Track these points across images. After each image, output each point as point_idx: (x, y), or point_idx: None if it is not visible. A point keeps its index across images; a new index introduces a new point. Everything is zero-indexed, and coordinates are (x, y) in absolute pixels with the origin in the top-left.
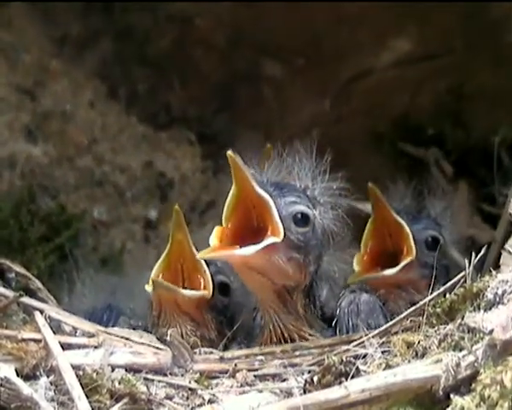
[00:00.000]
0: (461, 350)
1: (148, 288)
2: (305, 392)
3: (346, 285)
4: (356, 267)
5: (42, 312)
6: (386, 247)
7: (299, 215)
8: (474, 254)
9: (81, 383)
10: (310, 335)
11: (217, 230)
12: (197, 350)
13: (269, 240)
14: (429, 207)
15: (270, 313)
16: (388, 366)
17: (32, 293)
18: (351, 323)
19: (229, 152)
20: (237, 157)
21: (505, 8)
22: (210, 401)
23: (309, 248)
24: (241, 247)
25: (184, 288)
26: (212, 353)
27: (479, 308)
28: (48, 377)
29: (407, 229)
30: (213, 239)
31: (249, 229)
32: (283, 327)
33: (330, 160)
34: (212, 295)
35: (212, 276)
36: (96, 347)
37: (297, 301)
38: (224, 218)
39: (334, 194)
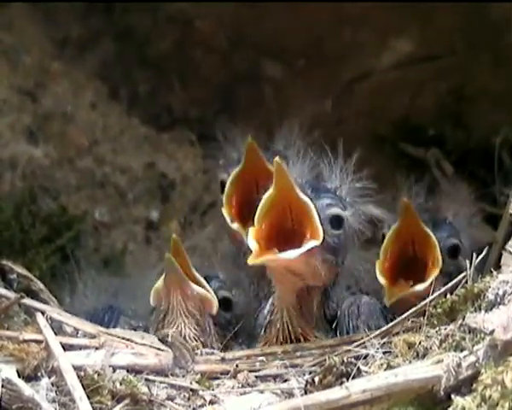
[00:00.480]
0: (462, 351)
1: (158, 283)
2: (306, 393)
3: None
4: (381, 279)
5: (43, 313)
6: (407, 253)
7: (335, 218)
8: (474, 254)
9: (82, 384)
10: (315, 337)
11: (252, 231)
12: (198, 351)
13: (310, 243)
14: (444, 210)
15: (283, 313)
16: (389, 367)
17: (33, 294)
18: (351, 325)
19: (277, 159)
20: (283, 163)
21: (506, 9)
22: (211, 402)
23: (341, 249)
24: (279, 250)
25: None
26: (213, 354)
27: (480, 309)
28: (49, 378)
29: (435, 240)
30: (252, 242)
31: (282, 230)
32: (291, 328)
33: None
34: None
35: (215, 292)
36: (97, 348)
37: (313, 299)
38: (256, 218)
39: (359, 194)
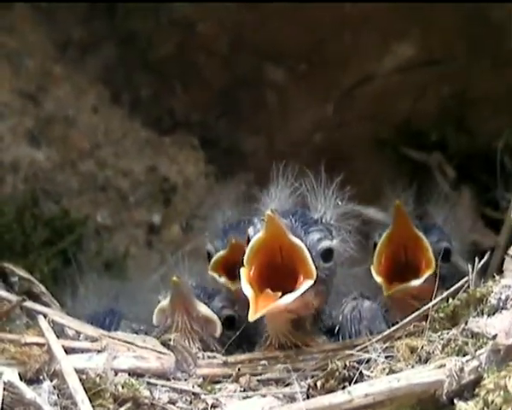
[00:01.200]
0: (464, 355)
1: (163, 303)
2: (308, 397)
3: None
4: (377, 278)
5: (45, 316)
6: (400, 258)
7: (326, 251)
8: (477, 259)
9: (84, 388)
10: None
11: (243, 273)
12: (200, 355)
13: (305, 285)
14: (433, 214)
15: (279, 336)
16: (392, 371)
17: (35, 297)
18: (353, 329)
19: (269, 213)
20: (276, 214)
21: (508, 13)
22: (213, 406)
23: (331, 278)
24: (272, 288)
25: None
26: (215, 357)
27: (482, 313)
28: (51, 381)
29: (427, 243)
30: (246, 287)
31: (273, 267)
32: (287, 341)
33: (332, 166)
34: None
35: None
36: (99, 351)
37: (306, 321)
38: (246, 259)
39: (345, 217)
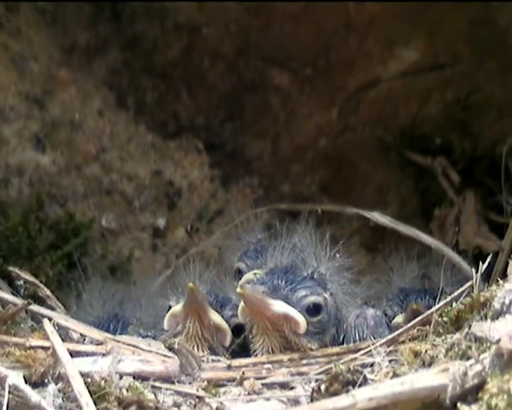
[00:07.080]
0: (468, 359)
1: (175, 307)
2: (312, 400)
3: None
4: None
5: (50, 319)
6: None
7: (312, 305)
8: (481, 263)
9: (89, 391)
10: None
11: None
12: (205, 358)
13: (296, 317)
14: (436, 280)
15: (266, 341)
16: (395, 375)
17: (40, 300)
18: (358, 336)
19: (239, 290)
20: (248, 292)
21: None
22: (217, 409)
23: (326, 328)
24: None
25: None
26: (219, 361)
27: (486, 318)
28: (56, 384)
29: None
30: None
31: None
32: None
33: (337, 170)
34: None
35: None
36: (104, 354)
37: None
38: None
39: (339, 269)
